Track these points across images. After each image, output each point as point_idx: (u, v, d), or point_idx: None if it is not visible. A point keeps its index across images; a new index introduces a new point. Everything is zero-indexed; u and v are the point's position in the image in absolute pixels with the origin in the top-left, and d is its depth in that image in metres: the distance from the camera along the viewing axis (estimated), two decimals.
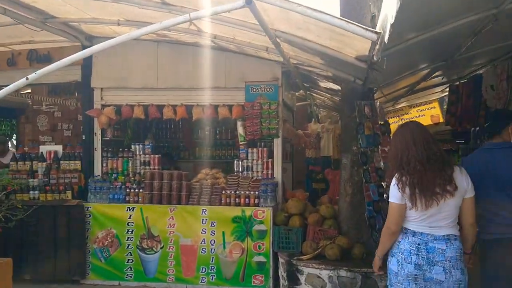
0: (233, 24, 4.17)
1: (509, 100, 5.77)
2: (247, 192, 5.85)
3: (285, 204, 5.94)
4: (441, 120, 11.19)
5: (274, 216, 5.71)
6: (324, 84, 6.90)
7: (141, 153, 6.39)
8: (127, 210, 5.93)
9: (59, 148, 6.51)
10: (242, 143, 6.32)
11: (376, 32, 2.83)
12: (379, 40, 2.90)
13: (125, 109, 6.35)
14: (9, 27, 5.56)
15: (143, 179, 6.12)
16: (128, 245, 5.90)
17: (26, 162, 6.33)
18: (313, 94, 8.65)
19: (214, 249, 5.74)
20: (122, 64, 6.30)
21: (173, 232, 5.83)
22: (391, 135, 5.96)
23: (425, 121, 11.39)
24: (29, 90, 8.20)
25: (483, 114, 7.07)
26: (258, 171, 6.15)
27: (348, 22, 2.82)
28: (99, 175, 6.28)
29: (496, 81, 6.09)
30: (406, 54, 4.20)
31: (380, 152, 5.69)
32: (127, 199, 6.03)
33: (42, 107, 8.91)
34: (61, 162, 6.33)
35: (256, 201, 5.80)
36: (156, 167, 6.32)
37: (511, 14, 3.26)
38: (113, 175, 6.25)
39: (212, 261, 5.74)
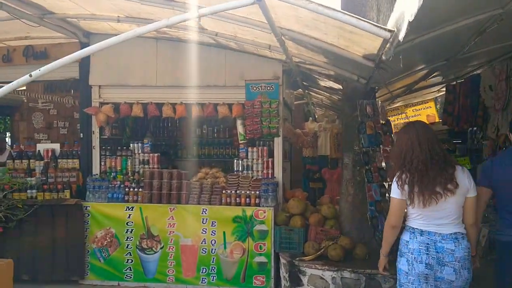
0: (237, 21, 4.11)
1: (508, 101, 5.79)
2: (247, 192, 5.79)
3: (286, 204, 5.90)
4: (437, 119, 11.25)
5: (275, 216, 5.66)
6: (324, 83, 6.87)
7: (140, 151, 6.32)
8: (126, 210, 5.85)
9: (56, 146, 6.40)
10: (242, 142, 6.26)
11: (389, 30, 2.79)
12: (391, 39, 2.86)
13: (123, 107, 6.25)
14: (5, 22, 5.44)
15: (142, 178, 6.04)
16: (128, 245, 5.82)
17: (23, 161, 6.21)
18: (311, 93, 8.62)
19: (215, 249, 5.68)
20: (120, 61, 6.21)
21: (173, 232, 5.76)
22: (392, 134, 5.97)
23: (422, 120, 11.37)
24: (24, 87, 8.06)
25: (481, 115, 7.10)
26: (258, 171, 6.10)
27: (360, 19, 2.78)
28: (97, 174, 6.19)
29: (494, 81, 6.11)
30: (410, 53, 4.18)
31: (382, 151, 5.67)
32: (126, 198, 5.95)
33: (38, 105, 8.77)
34: (59, 160, 6.23)
35: (257, 201, 5.74)
36: (156, 166, 6.25)
37: None
38: (112, 174, 6.17)
39: (212, 262, 5.68)
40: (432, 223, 2.98)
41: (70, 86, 8.34)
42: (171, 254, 5.76)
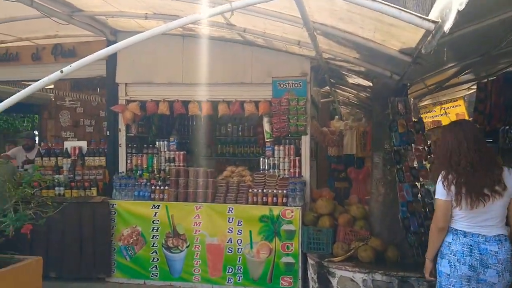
0: (268, 16, 4.01)
1: None
2: (274, 191, 5.69)
3: (314, 203, 5.78)
4: (467, 118, 10.91)
5: (303, 216, 5.54)
6: (352, 80, 6.70)
7: (166, 149, 6.30)
8: (152, 208, 5.82)
9: (83, 144, 6.45)
10: (268, 140, 6.17)
11: (433, 21, 2.65)
12: (435, 30, 2.71)
13: (150, 104, 6.24)
14: (34, 20, 5.48)
15: (168, 176, 6.00)
16: (154, 243, 5.80)
17: (51, 158, 6.28)
18: (337, 91, 8.45)
19: (241, 248, 5.60)
20: (147, 59, 6.19)
21: (199, 230, 5.71)
22: (425, 133, 5.77)
23: (450, 119, 11.11)
24: (52, 86, 8.16)
25: None
26: (284, 169, 5.99)
27: (402, 10, 2.64)
28: (123, 172, 6.19)
29: None
30: (449, 47, 4.00)
31: (414, 150, 5.49)
32: (152, 196, 5.93)
33: (65, 103, 8.87)
34: (86, 158, 6.26)
35: (284, 200, 5.64)
36: (181, 164, 6.21)
37: None
38: (138, 171, 6.16)
39: (239, 261, 5.60)
40: (476, 225, 2.93)
41: (96, 84, 8.43)
42: (197, 253, 5.71)
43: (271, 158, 6.04)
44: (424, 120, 11.67)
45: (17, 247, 4.26)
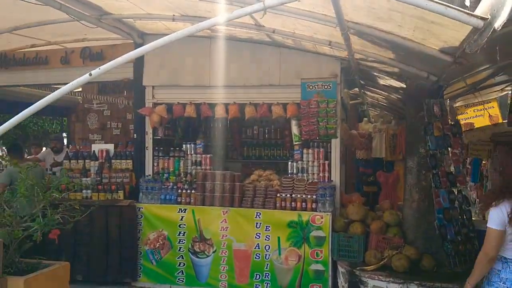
0: (299, 15, 3.86)
1: None
2: (303, 196, 5.53)
3: (345, 209, 5.59)
4: (500, 120, 10.49)
5: (333, 222, 5.36)
6: (383, 81, 6.48)
7: (192, 152, 6.23)
8: (178, 212, 5.75)
9: (110, 147, 6.44)
10: (296, 143, 6.01)
11: (482, 18, 2.45)
12: (483, 28, 2.51)
13: (176, 107, 6.18)
14: (63, 24, 5.51)
15: (195, 180, 5.92)
16: (180, 248, 5.73)
17: (79, 161, 6.30)
18: (366, 92, 8.22)
19: (269, 255, 5.46)
20: (174, 61, 6.14)
21: (226, 235, 5.60)
22: (462, 136, 5.51)
23: (483, 121, 10.69)
24: (80, 89, 8.23)
25: None
26: (313, 173, 5.82)
27: (448, 6, 2.45)
28: (150, 175, 6.14)
29: None
30: (490, 47, 3.77)
31: (451, 155, 5.25)
32: (178, 200, 5.86)
33: (93, 106, 8.94)
34: (113, 161, 6.25)
35: (314, 205, 5.47)
36: (208, 167, 6.13)
37: None
38: (165, 175, 6.11)
39: (266, 268, 5.47)
40: None
41: (123, 87, 8.45)
42: (224, 259, 5.60)
43: (299, 162, 5.88)
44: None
45: (44, 250, 4.25)
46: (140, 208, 5.87)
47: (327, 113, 5.69)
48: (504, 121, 9.79)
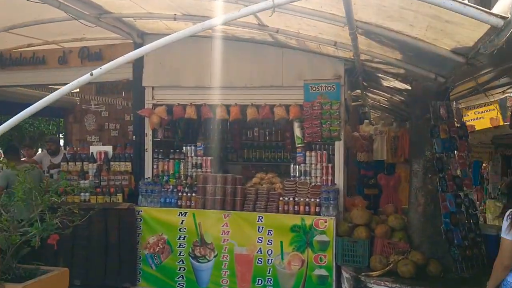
0: (305, 14, 3.75)
1: None
2: (306, 199, 5.42)
3: (349, 213, 5.49)
4: (501, 123, 10.44)
5: (337, 226, 5.26)
6: (387, 83, 6.39)
7: (193, 155, 6.11)
8: (179, 215, 5.63)
9: (109, 148, 6.31)
10: (299, 145, 5.90)
11: (502, 17, 2.36)
12: (503, 27, 2.42)
13: (177, 108, 6.06)
14: (61, 23, 5.38)
15: (195, 183, 5.81)
16: (180, 252, 5.60)
17: (76, 163, 6.16)
18: (368, 94, 8.13)
19: (271, 259, 5.35)
20: (174, 61, 6.02)
21: (227, 240, 5.48)
22: (468, 138, 5.42)
23: (484, 124, 10.65)
24: (78, 89, 8.10)
25: None
26: (316, 176, 5.71)
27: (467, 5, 2.36)
28: (149, 178, 6.02)
29: None
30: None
31: (457, 158, 5.16)
32: (179, 203, 5.73)
33: (91, 107, 8.81)
34: (111, 163, 6.12)
35: (317, 209, 5.36)
36: (209, 170, 6.01)
37: None
38: (164, 177, 5.98)
39: (269, 273, 5.35)
40: None
41: (121, 88, 8.33)
42: (225, 263, 5.48)
43: (302, 165, 5.78)
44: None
45: (40, 254, 4.11)
46: (139, 211, 5.74)
47: (331, 115, 5.59)
48: (505, 123, 9.76)
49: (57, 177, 6.24)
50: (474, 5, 2.40)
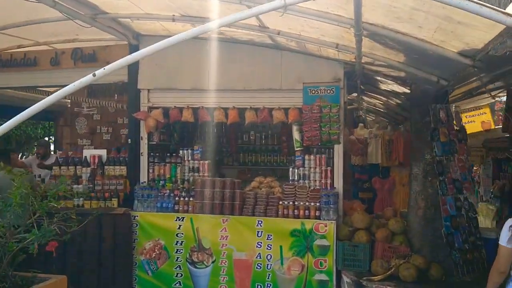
0: (310, 15, 3.69)
1: None
2: (306, 204, 5.36)
3: (348, 217, 5.44)
4: (493, 126, 10.54)
5: (337, 230, 5.20)
6: (385, 86, 6.38)
7: (189, 158, 6.00)
8: (176, 220, 5.52)
9: (103, 152, 6.16)
10: (298, 149, 5.84)
11: None
12: None
13: (173, 111, 5.95)
14: (53, 23, 5.26)
15: (193, 187, 5.70)
16: (177, 257, 5.49)
17: (69, 167, 6.00)
18: (363, 97, 8.13)
19: (271, 264, 5.26)
20: (170, 64, 5.91)
21: (226, 245, 5.39)
22: (467, 142, 5.43)
23: (476, 127, 10.72)
24: None
25: None
26: (315, 180, 5.65)
27: (483, 5, 2.32)
28: (145, 182, 5.89)
29: None
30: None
31: (457, 161, 5.16)
32: (176, 208, 5.62)
33: (83, 110, 8.63)
34: (106, 167, 5.98)
35: (317, 213, 5.30)
36: (206, 174, 5.91)
37: None
38: (161, 182, 5.87)
39: (268, 278, 5.27)
40: None
41: (113, 91, 8.18)
42: (224, 269, 5.38)
43: (301, 169, 5.72)
44: None
45: (33, 262, 3.95)
46: (135, 216, 5.61)
47: (330, 118, 5.55)
48: (495, 127, 9.84)
49: (48, 181, 6.08)
50: (491, 6, 2.37)
